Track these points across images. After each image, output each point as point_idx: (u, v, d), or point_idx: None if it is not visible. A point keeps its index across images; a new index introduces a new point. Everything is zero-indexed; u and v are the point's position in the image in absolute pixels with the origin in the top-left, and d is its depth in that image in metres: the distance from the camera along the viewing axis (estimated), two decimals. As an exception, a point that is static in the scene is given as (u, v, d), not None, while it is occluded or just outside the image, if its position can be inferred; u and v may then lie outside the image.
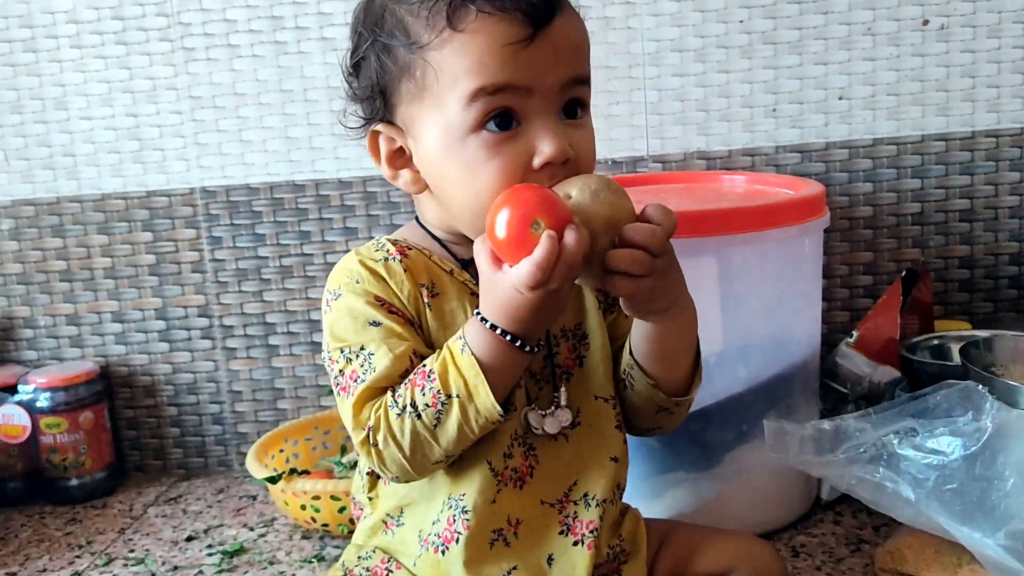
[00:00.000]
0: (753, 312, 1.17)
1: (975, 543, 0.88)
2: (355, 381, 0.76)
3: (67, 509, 1.45)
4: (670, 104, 1.41)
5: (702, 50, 1.39)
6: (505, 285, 0.69)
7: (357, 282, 0.79)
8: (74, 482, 1.46)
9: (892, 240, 1.43)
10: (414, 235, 0.84)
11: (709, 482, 1.17)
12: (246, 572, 1.21)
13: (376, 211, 1.45)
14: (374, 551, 0.85)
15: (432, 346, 0.79)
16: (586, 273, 0.71)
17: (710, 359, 1.16)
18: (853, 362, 1.27)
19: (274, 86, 1.43)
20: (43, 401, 1.44)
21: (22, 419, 1.44)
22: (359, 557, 0.85)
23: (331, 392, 1.07)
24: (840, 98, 1.39)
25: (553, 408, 0.82)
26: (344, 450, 1.42)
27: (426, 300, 0.80)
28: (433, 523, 0.81)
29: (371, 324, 0.78)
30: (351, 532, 1.19)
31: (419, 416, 0.73)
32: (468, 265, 0.80)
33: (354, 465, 1.31)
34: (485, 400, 0.72)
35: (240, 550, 1.27)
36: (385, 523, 0.84)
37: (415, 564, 0.81)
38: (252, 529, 1.33)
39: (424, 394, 0.73)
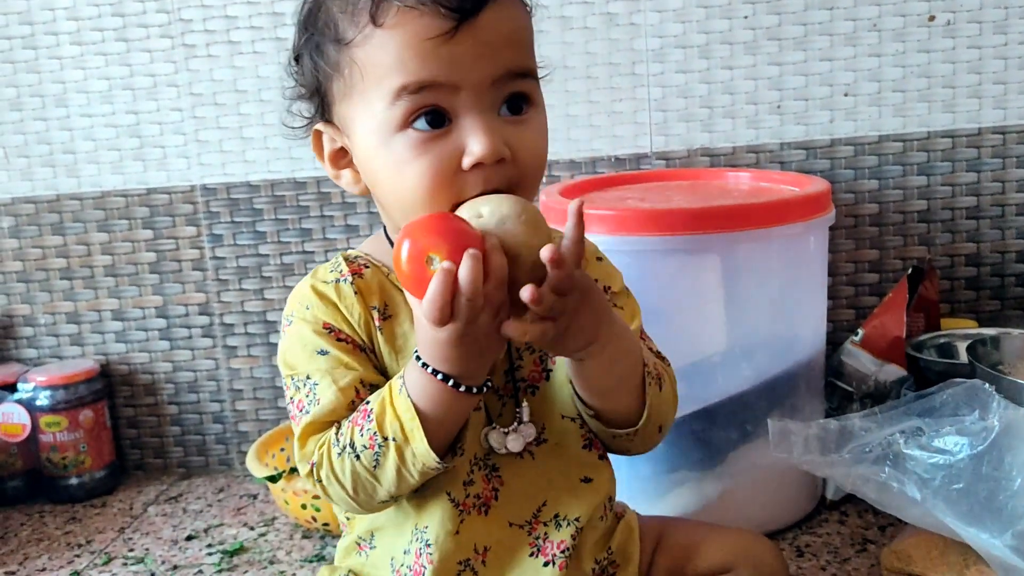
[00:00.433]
0: (757, 310, 1.15)
1: (982, 543, 0.87)
2: (301, 412, 0.75)
3: (67, 508, 1.44)
4: (674, 101, 1.40)
5: (706, 46, 1.38)
6: (423, 322, 0.66)
7: (307, 308, 0.77)
8: (74, 481, 1.46)
9: (898, 238, 1.41)
10: (377, 248, 0.81)
11: (713, 481, 1.16)
12: (246, 571, 1.20)
13: (377, 208, 1.44)
14: (347, 575, 0.83)
15: (386, 372, 0.77)
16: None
17: (714, 357, 1.16)
18: (859, 360, 1.26)
19: (275, 83, 1.42)
20: (43, 399, 1.43)
21: (22, 417, 1.43)
22: None
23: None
24: (846, 94, 1.38)
25: (516, 424, 0.78)
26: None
27: (378, 324, 0.77)
28: (404, 552, 0.78)
29: (319, 353, 0.75)
30: (352, 531, 1.18)
31: (358, 457, 0.71)
32: None
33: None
34: (420, 446, 0.69)
35: (240, 549, 1.26)
36: (359, 544, 0.83)
37: None
38: (252, 528, 1.33)
39: (362, 435, 0.71)
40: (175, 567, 1.23)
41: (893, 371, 1.23)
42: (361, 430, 0.71)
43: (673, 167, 1.41)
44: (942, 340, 1.30)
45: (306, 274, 0.81)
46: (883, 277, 1.42)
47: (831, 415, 1.27)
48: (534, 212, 0.67)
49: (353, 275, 0.78)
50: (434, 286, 0.63)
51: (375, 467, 0.71)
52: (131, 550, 1.29)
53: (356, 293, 0.77)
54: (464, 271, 0.62)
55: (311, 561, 1.21)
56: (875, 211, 1.41)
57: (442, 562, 0.76)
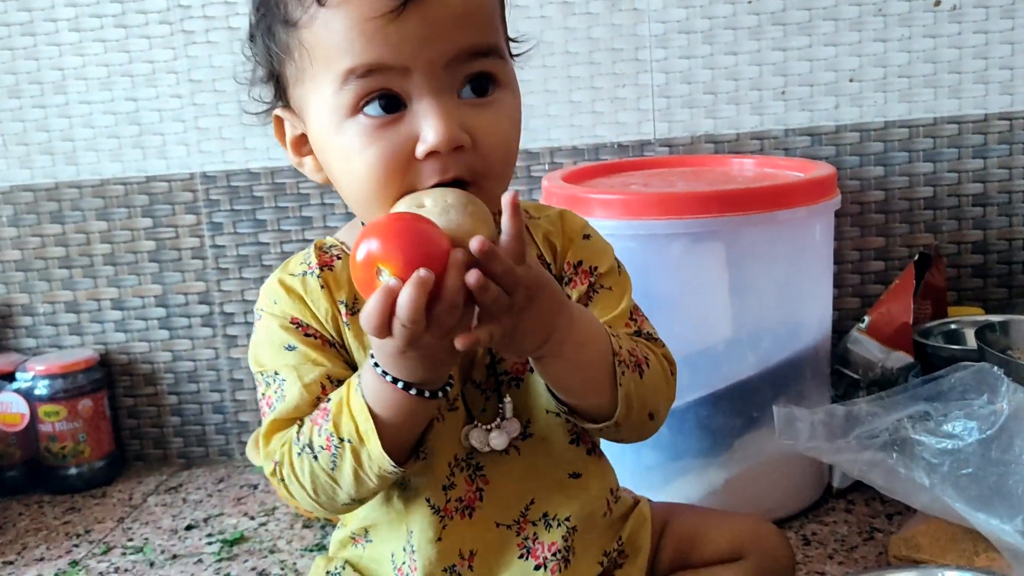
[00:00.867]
0: (762, 296, 1.14)
1: (992, 529, 0.86)
2: (269, 408, 0.73)
3: (66, 498, 1.43)
4: (677, 87, 1.39)
5: (710, 31, 1.37)
6: None
7: (275, 303, 0.74)
8: (73, 471, 1.45)
9: (904, 225, 1.40)
10: (351, 235, 0.76)
11: (718, 469, 1.15)
12: (246, 561, 1.19)
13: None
14: (344, 566, 0.80)
15: (356, 367, 0.73)
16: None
17: (719, 344, 1.15)
18: (865, 348, 1.25)
19: (275, 69, 1.41)
20: (41, 389, 1.42)
21: (20, 407, 1.42)
22: (328, 572, 0.80)
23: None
24: (851, 80, 1.37)
25: (499, 420, 0.74)
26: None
27: (345, 319, 0.73)
28: (403, 550, 0.76)
29: (286, 348, 0.73)
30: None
31: (316, 458, 0.68)
32: None
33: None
34: (375, 448, 0.66)
35: (240, 539, 1.25)
36: (354, 539, 0.80)
37: None
38: (253, 518, 1.31)
39: (320, 435, 0.68)
40: (174, 556, 1.22)
41: (900, 358, 1.22)
42: (320, 430, 0.68)
43: (677, 154, 1.40)
44: (950, 327, 1.28)
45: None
46: (889, 265, 1.41)
47: (837, 402, 1.26)
48: (482, 205, 0.63)
49: (322, 267, 0.75)
50: (372, 302, 0.59)
51: (332, 469, 0.68)
52: (130, 540, 1.28)
53: (323, 287, 0.73)
54: (404, 297, 0.57)
55: (311, 550, 1.20)
56: (881, 198, 1.39)
57: (428, 567, 0.74)
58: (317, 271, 0.74)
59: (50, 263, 1.50)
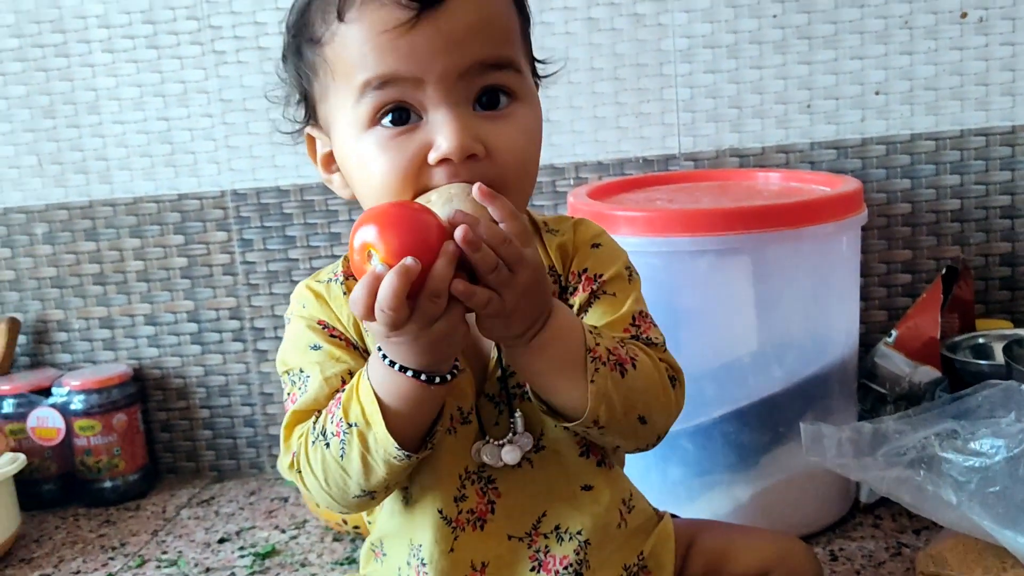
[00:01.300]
0: (789, 311, 1.14)
1: (1019, 546, 0.86)
2: (293, 403, 0.74)
3: (100, 511, 1.46)
4: (702, 101, 1.39)
5: (735, 46, 1.37)
6: None
7: (303, 306, 0.77)
8: (107, 484, 1.47)
9: (931, 237, 1.40)
10: None
11: (745, 485, 1.15)
12: (278, 574, 1.21)
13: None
14: None
15: None
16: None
17: (745, 359, 1.15)
18: (892, 362, 1.25)
19: (304, 88, 1.43)
20: (77, 404, 1.45)
21: (56, 422, 1.45)
22: None
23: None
24: (877, 93, 1.37)
25: (510, 435, 0.75)
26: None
27: (365, 325, 0.74)
28: (407, 564, 0.77)
29: (312, 348, 0.75)
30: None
31: (328, 445, 0.69)
32: None
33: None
34: (380, 430, 0.66)
35: (272, 552, 1.27)
36: (374, 551, 0.82)
37: None
38: (284, 531, 1.33)
39: (332, 422, 0.69)
40: (208, 570, 1.24)
41: (927, 372, 1.22)
42: (332, 417, 0.70)
43: (702, 168, 1.40)
44: (977, 341, 1.28)
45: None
46: (916, 277, 1.40)
47: (864, 417, 1.26)
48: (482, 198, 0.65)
49: (347, 276, 0.77)
50: (358, 286, 0.61)
51: (342, 457, 0.68)
52: (164, 552, 1.30)
53: (346, 294, 0.76)
54: (385, 284, 0.59)
55: (342, 564, 1.22)
56: (908, 211, 1.39)
57: None
58: (342, 279, 0.77)
59: (84, 280, 1.52)
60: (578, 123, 1.40)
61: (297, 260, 1.48)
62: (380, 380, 0.67)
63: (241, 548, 1.29)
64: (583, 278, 0.79)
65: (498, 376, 0.76)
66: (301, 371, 0.75)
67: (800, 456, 1.03)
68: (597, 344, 0.70)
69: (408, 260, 0.59)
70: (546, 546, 0.77)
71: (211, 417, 1.55)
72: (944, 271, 1.31)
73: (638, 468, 1.02)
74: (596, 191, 1.26)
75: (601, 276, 0.79)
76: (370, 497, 0.72)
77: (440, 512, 0.75)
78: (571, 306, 0.77)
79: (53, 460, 1.48)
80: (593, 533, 0.78)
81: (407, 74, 0.67)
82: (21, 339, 1.54)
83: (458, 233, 0.60)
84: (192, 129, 1.46)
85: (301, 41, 0.73)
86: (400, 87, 0.67)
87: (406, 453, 0.67)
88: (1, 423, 1.45)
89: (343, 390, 0.71)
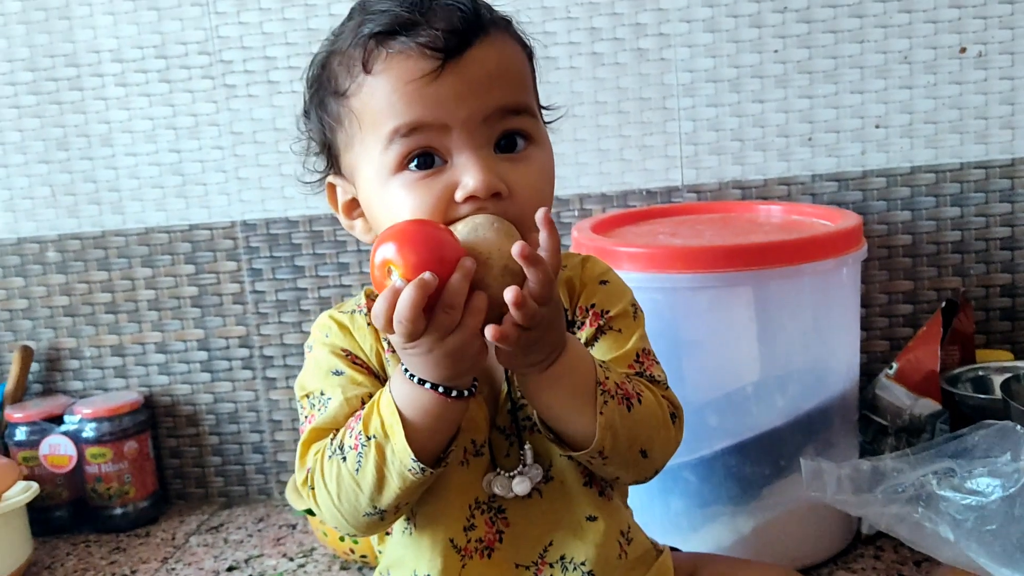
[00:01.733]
0: (790, 343, 1.16)
1: (1016, 585, 0.87)
2: (311, 423, 0.76)
3: (111, 538, 1.48)
4: (705, 134, 1.41)
5: (736, 80, 1.40)
6: None
7: (327, 336, 0.80)
8: (118, 511, 1.49)
9: (932, 269, 1.41)
10: None
11: (747, 517, 1.17)
12: (286, 604, 1.23)
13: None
14: None
15: None
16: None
17: (747, 390, 1.17)
18: (893, 394, 1.26)
19: (312, 121, 1.45)
20: (89, 431, 1.47)
21: (68, 449, 1.47)
22: None
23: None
24: (877, 126, 1.39)
25: (521, 466, 0.77)
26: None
27: (387, 355, 0.78)
28: None
29: (334, 373, 0.77)
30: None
31: (344, 459, 0.71)
32: None
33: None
34: (399, 442, 0.68)
35: (280, 581, 1.29)
36: None
37: None
38: (292, 559, 1.35)
39: (351, 436, 0.71)
40: (217, 598, 1.26)
41: (928, 405, 1.23)
42: (351, 432, 0.72)
43: (704, 200, 1.42)
44: (977, 373, 1.29)
45: (341, 308, 0.83)
46: (917, 308, 1.42)
47: (866, 449, 1.27)
48: (510, 226, 0.68)
49: (368, 308, 0.80)
50: (379, 300, 0.64)
51: (357, 470, 0.70)
52: (174, 581, 1.32)
53: (369, 324, 0.79)
54: (404, 296, 0.62)
55: (349, 593, 1.24)
56: (908, 242, 1.41)
57: None
58: (365, 310, 0.80)
59: (96, 308, 1.55)
60: (583, 155, 1.42)
61: (306, 289, 1.50)
62: (402, 394, 0.69)
63: (250, 576, 1.31)
64: (591, 313, 0.81)
65: (508, 408, 0.78)
66: (322, 393, 0.77)
67: (802, 489, 1.04)
68: (607, 378, 0.73)
69: (426, 275, 0.63)
70: (551, 575, 0.79)
71: (220, 444, 1.57)
72: (944, 304, 1.32)
73: (641, 499, 1.03)
74: (599, 224, 1.28)
75: (608, 312, 0.81)
76: (380, 517, 0.73)
77: (451, 541, 0.77)
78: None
79: (65, 487, 1.50)
80: (596, 564, 0.79)
81: (434, 121, 0.70)
82: (34, 367, 1.56)
83: (509, 294, 0.62)
84: (203, 161, 1.49)
85: (325, 95, 0.76)
86: (427, 134, 0.70)
87: (421, 466, 0.69)
88: (14, 451, 1.47)
89: (363, 409, 0.73)
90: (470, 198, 0.69)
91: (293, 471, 1.45)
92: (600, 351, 0.79)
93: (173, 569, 1.35)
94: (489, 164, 0.70)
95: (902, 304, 1.42)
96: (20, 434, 1.47)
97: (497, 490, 0.77)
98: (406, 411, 0.69)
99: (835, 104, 1.39)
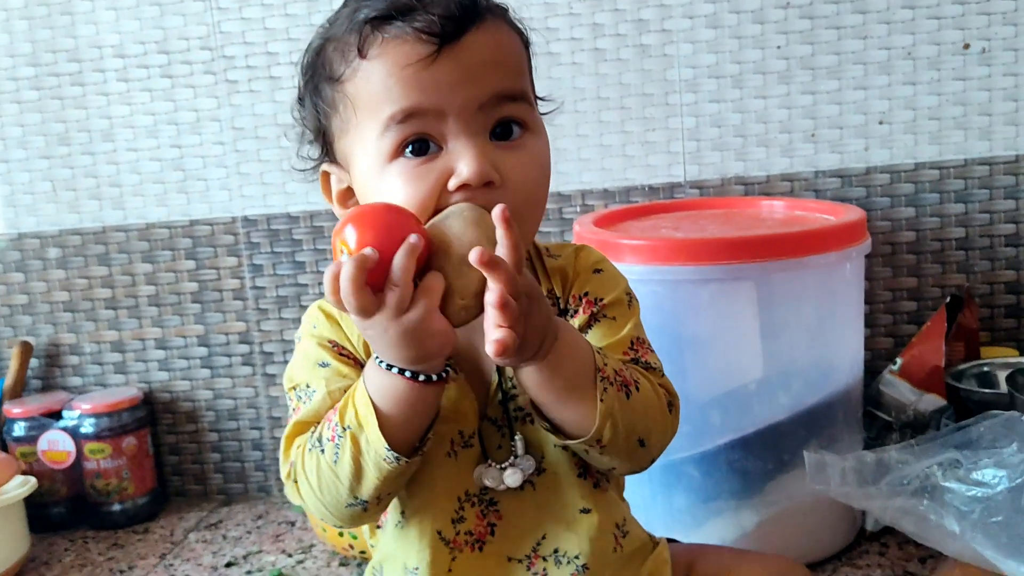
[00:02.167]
0: (794, 339, 1.15)
1: (1023, 577, 0.86)
2: (296, 416, 0.76)
3: (109, 534, 1.47)
4: (707, 130, 1.41)
5: (739, 76, 1.39)
6: None
7: (314, 327, 0.79)
8: (116, 507, 1.48)
9: (936, 265, 1.41)
10: None
11: (751, 512, 1.16)
12: (284, 599, 1.22)
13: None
14: None
15: None
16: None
17: (750, 386, 1.16)
18: (897, 390, 1.25)
19: (314, 116, 1.45)
20: (87, 427, 1.46)
21: (67, 445, 1.46)
22: None
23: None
24: (880, 123, 1.38)
25: (512, 458, 0.76)
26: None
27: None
28: None
29: (320, 365, 0.76)
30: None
31: (323, 451, 0.71)
32: None
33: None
34: (373, 432, 0.68)
35: (279, 577, 1.28)
36: (375, 574, 0.82)
37: None
38: (291, 555, 1.34)
39: (328, 428, 0.71)
40: (215, 594, 1.25)
41: (932, 401, 1.22)
42: (329, 424, 0.71)
43: (707, 196, 1.42)
44: (982, 369, 1.28)
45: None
46: (922, 305, 1.41)
47: (870, 445, 1.26)
48: (481, 214, 0.67)
49: None
50: (325, 274, 0.64)
51: (335, 462, 0.70)
52: (172, 576, 1.31)
53: None
54: (343, 270, 0.63)
55: (348, 589, 1.23)
56: (912, 239, 1.40)
57: None
58: None
59: (96, 304, 1.54)
60: (585, 151, 1.42)
61: (306, 286, 1.49)
62: (374, 383, 0.69)
63: (248, 572, 1.30)
64: (583, 301, 0.80)
65: (499, 399, 0.77)
66: (308, 386, 0.76)
67: (806, 484, 1.04)
68: (605, 364, 0.71)
69: (367, 250, 0.63)
70: (544, 569, 0.78)
71: (219, 440, 1.56)
72: (948, 300, 1.32)
73: (643, 495, 1.03)
74: (602, 219, 1.27)
75: (602, 300, 0.80)
76: (363, 508, 0.72)
77: (439, 534, 0.76)
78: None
79: (63, 483, 1.49)
80: (590, 557, 0.78)
81: (430, 106, 0.69)
82: (33, 362, 1.55)
83: (492, 296, 0.62)
84: (204, 156, 1.48)
85: (319, 80, 0.75)
86: (423, 119, 0.70)
87: (396, 455, 0.68)
88: (12, 446, 1.47)
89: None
90: (462, 187, 0.69)
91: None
92: (594, 339, 0.78)
93: (171, 565, 1.34)
94: (484, 152, 0.70)
95: (906, 301, 1.42)
96: (19, 430, 1.47)
97: (488, 482, 0.76)
98: (379, 400, 0.68)
99: (838, 100, 1.38)
